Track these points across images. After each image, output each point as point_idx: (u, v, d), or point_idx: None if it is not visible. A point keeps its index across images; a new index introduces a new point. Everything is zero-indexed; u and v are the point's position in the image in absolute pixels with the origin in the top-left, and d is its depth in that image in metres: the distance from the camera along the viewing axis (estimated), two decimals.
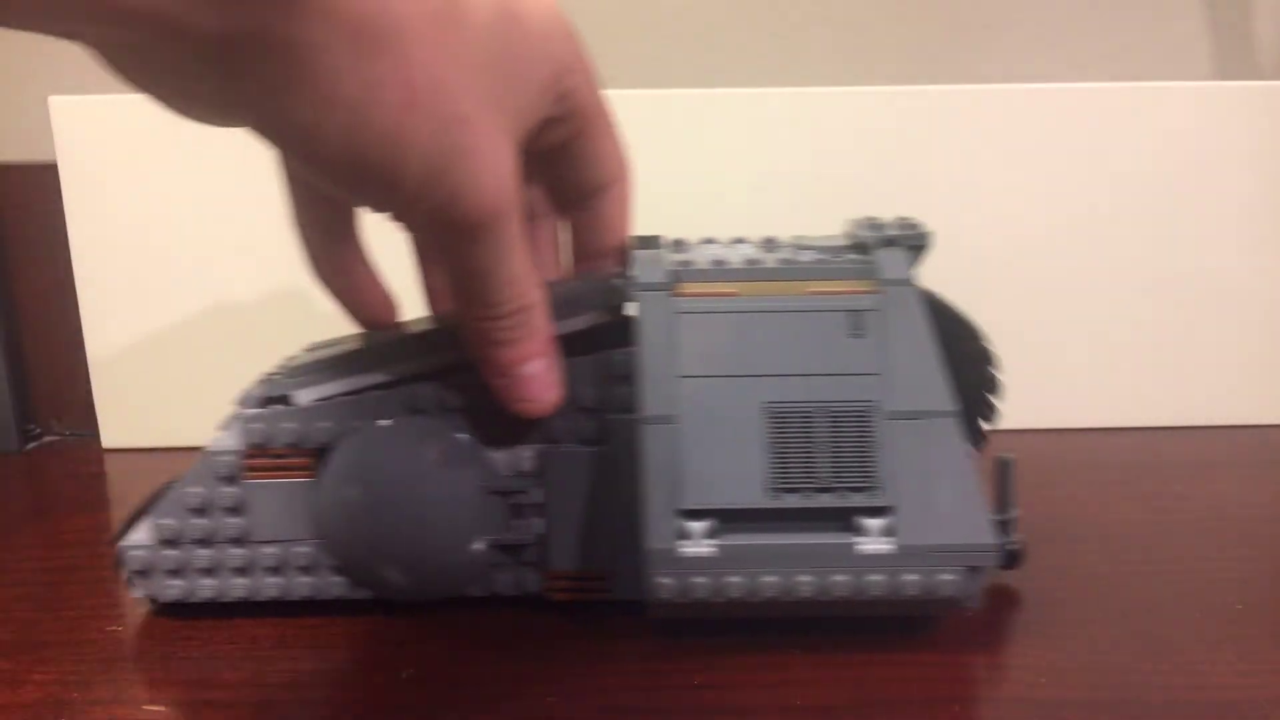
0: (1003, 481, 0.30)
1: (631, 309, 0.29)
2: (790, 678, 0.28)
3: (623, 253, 0.31)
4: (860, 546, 0.27)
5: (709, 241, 0.33)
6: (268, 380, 0.30)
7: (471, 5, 0.24)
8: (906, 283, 0.28)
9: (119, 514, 0.40)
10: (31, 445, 0.49)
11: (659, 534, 0.27)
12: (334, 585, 0.30)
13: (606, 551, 0.30)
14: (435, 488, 0.29)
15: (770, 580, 0.27)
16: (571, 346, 0.29)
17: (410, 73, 0.22)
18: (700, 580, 0.27)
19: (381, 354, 0.30)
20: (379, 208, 0.25)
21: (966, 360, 0.31)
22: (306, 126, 0.22)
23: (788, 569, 0.27)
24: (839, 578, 0.27)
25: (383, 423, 0.29)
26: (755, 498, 0.27)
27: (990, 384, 0.32)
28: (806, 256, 0.30)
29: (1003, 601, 0.31)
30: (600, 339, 0.30)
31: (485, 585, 0.30)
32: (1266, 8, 0.49)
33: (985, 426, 0.32)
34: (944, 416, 0.28)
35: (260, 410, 0.29)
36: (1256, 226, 0.47)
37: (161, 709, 0.27)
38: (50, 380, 0.49)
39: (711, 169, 0.45)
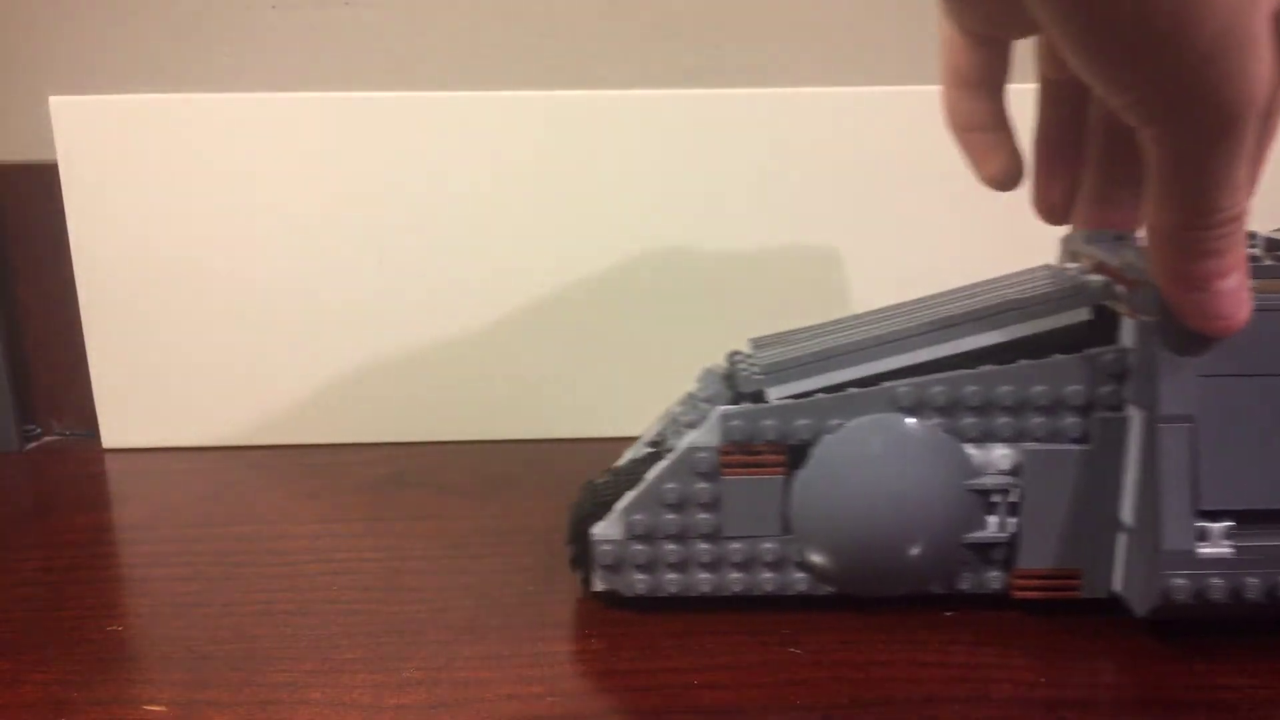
0: None
1: (1117, 305, 0.29)
2: (790, 677, 0.28)
3: (1254, 189, 0.30)
4: None
5: None
6: (733, 377, 0.31)
7: None
8: None
9: (119, 514, 0.41)
10: (31, 445, 0.49)
11: (1176, 535, 0.27)
12: (798, 581, 0.30)
13: (1080, 550, 0.30)
14: (913, 486, 0.29)
15: None
16: (1053, 344, 0.29)
17: None
18: (1217, 582, 0.27)
19: (857, 350, 0.30)
20: (1126, 84, 0.23)
21: None
22: None
23: None
24: None
25: (864, 419, 0.29)
26: (1277, 499, 0.27)
27: None
28: None
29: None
30: (1086, 336, 0.29)
31: (948, 582, 0.31)
32: None
33: None
34: None
35: (738, 407, 0.29)
36: (1255, 226, 0.47)
37: (161, 709, 0.27)
38: (50, 380, 0.49)
39: (711, 169, 0.45)
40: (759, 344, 0.33)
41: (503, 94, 0.45)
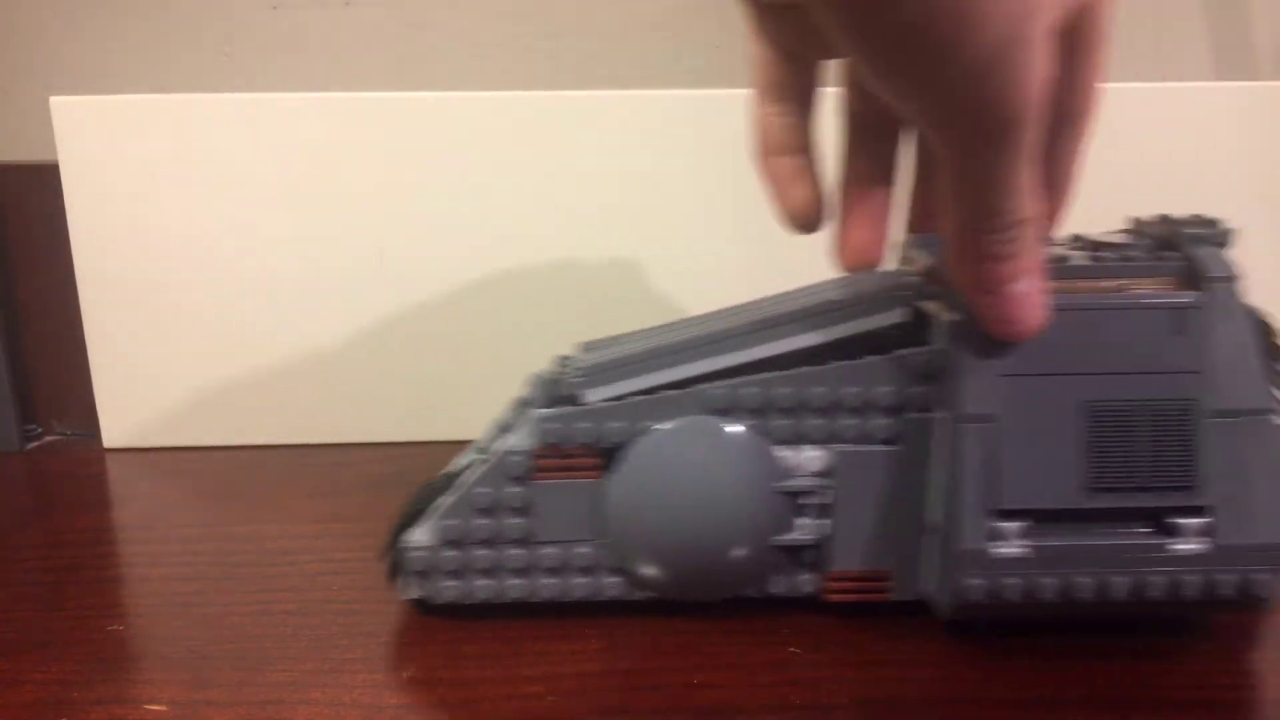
0: None
1: (931, 307, 0.29)
2: (790, 677, 0.28)
3: (1068, 191, 0.30)
4: (1175, 546, 0.27)
5: None
6: (553, 380, 0.31)
7: None
8: (1231, 280, 0.28)
9: (119, 514, 0.41)
10: (31, 445, 0.49)
11: (972, 534, 0.27)
12: (610, 586, 0.30)
13: (890, 552, 0.30)
14: (721, 488, 0.29)
15: (1084, 581, 0.27)
16: (867, 345, 0.29)
17: None
18: (1012, 582, 0.27)
19: (674, 352, 0.30)
20: (908, 92, 0.24)
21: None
22: None
23: (1101, 570, 0.27)
24: (1153, 578, 0.27)
25: (675, 422, 0.29)
26: (1072, 498, 0.27)
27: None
28: (1109, 255, 0.29)
29: None
30: (898, 338, 0.29)
31: (760, 585, 0.30)
32: (1265, 8, 0.49)
33: None
34: (1263, 414, 0.27)
35: (554, 410, 0.29)
36: (1255, 227, 0.47)
37: (162, 709, 0.27)
38: (50, 380, 0.49)
39: (708, 171, 0.45)
40: (588, 347, 0.33)
41: (503, 94, 0.45)
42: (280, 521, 0.39)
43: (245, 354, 0.47)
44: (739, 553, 0.29)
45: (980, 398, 0.27)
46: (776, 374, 0.29)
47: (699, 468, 0.29)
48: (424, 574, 0.30)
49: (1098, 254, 0.29)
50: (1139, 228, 0.32)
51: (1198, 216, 0.30)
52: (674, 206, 0.46)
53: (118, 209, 0.45)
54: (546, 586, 0.30)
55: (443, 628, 0.30)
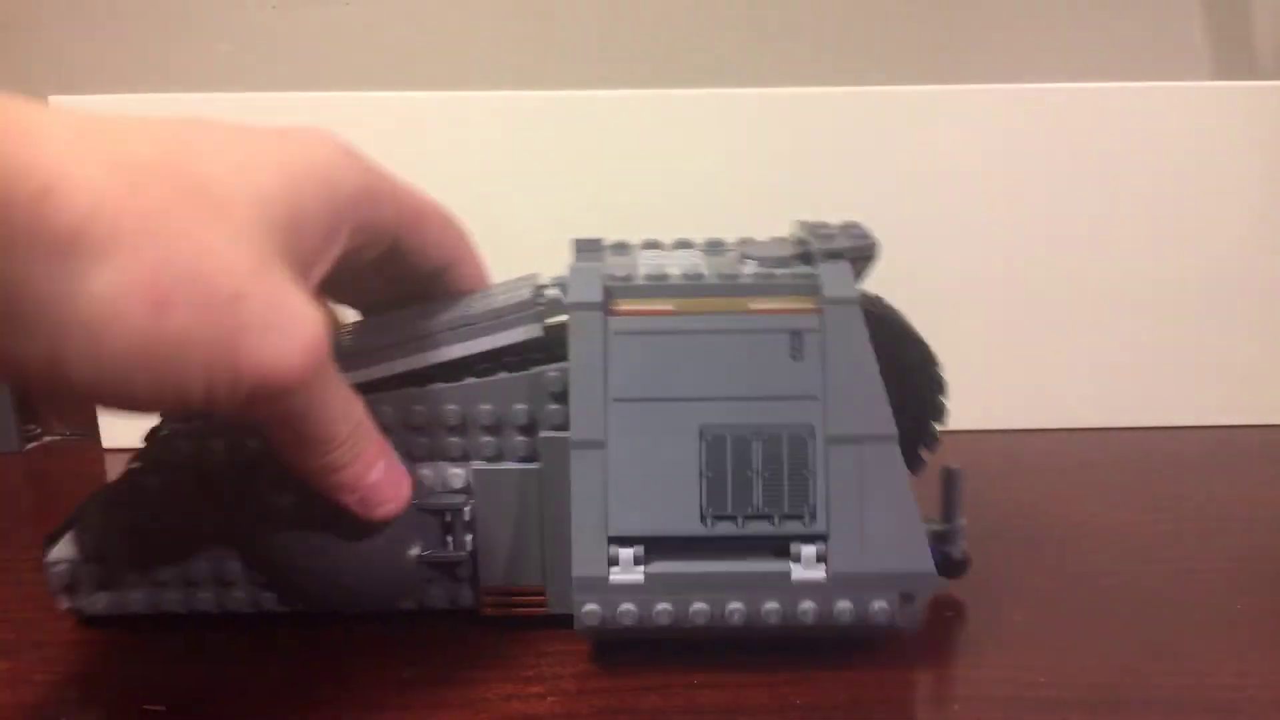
0: (949, 491, 0.30)
1: (563, 324, 0.28)
2: (790, 677, 0.28)
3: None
4: (792, 574, 0.27)
5: (652, 245, 0.32)
6: None
7: (216, 180, 0.22)
8: (851, 302, 0.27)
9: None
10: (31, 445, 0.49)
11: (586, 560, 0.27)
12: (266, 600, 0.30)
13: (541, 567, 0.29)
14: None
15: (699, 608, 0.27)
16: (503, 362, 0.29)
17: (150, 272, 0.20)
18: (627, 608, 0.27)
19: None
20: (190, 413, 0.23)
21: (915, 383, 0.30)
22: (42, 362, 0.20)
23: (717, 597, 0.27)
24: (770, 605, 0.27)
25: None
26: (687, 525, 0.27)
27: (937, 410, 0.31)
28: (749, 268, 0.29)
29: (1004, 602, 0.31)
30: (532, 354, 0.29)
31: (418, 599, 0.30)
32: (1266, 8, 0.49)
33: (925, 453, 0.32)
34: (883, 441, 0.27)
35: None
36: (1256, 226, 0.47)
37: (162, 708, 0.27)
38: None
39: (708, 170, 0.45)
40: None
41: (503, 94, 0.45)
42: None
43: None
44: (381, 567, 0.28)
45: (590, 423, 0.27)
46: (411, 390, 0.29)
47: None
48: (71, 588, 0.30)
49: (733, 268, 0.28)
50: (798, 232, 0.31)
51: (850, 225, 0.29)
52: (674, 205, 0.46)
53: None
54: (202, 600, 0.29)
55: (442, 626, 0.30)
